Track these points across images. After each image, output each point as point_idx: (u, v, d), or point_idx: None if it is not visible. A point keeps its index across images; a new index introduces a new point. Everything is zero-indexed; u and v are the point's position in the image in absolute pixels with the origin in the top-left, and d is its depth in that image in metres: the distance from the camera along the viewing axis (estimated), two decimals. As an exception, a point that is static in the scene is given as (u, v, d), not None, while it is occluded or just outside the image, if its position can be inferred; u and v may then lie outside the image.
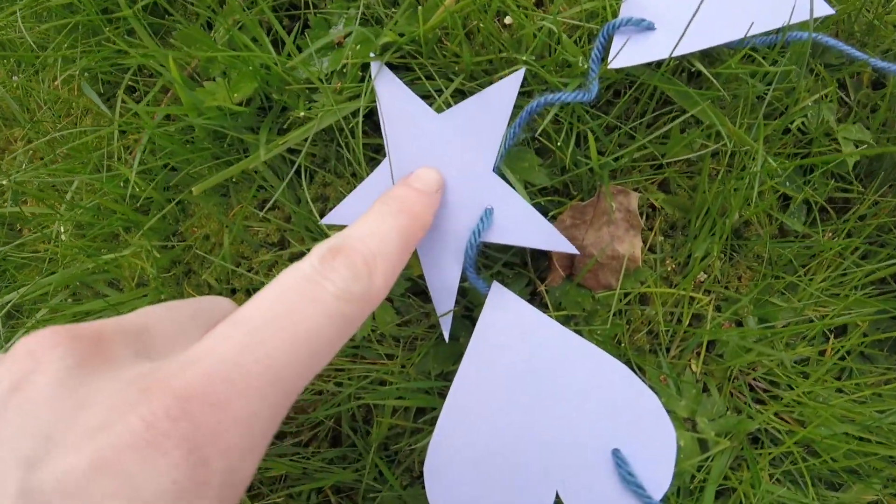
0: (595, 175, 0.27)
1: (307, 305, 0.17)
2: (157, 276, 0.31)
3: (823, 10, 0.26)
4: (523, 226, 0.25)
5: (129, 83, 0.34)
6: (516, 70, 0.25)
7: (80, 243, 0.35)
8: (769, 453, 0.29)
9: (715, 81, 0.27)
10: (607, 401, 0.24)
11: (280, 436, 0.32)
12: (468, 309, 0.29)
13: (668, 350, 0.30)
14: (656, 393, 0.25)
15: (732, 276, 0.31)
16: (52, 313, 0.34)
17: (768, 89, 0.28)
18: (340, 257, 0.18)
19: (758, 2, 0.26)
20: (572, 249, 0.24)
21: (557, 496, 0.24)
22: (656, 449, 0.24)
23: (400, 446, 0.30)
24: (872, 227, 0.31)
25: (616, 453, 0.24)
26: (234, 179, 0.30)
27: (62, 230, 0.37)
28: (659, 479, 0.24)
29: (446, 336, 0.27)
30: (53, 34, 0.38)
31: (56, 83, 0.38)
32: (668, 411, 0.28)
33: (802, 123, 0.31)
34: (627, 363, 0.28)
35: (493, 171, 0.25)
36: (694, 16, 0.24)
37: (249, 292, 0.32)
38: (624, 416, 0.24)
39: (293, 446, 0.31)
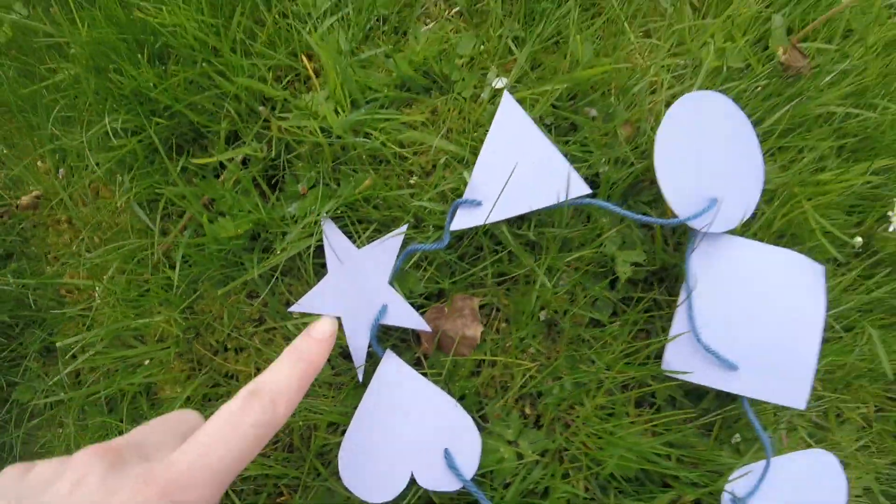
0: (449, 290, 0.45)
1: (233, 431, 0.27)
2: (178, 335, 0.48)
3: (581, 189, 0.44)
4: (403, 315, 0.43)
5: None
6: (401, 228, 0.43)
7: (118, 311, 0.52)
8: (571, 466, 0.45)
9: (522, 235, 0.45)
10: (444, 422, 0.41)
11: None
12: (375, 365, 0.46)
13: (504, 398, 0.47)
14: (479, 426, 0.42)
15: (553, 350, 0.48)
16: (98, 355, 0.50)
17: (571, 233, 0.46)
18: (255, 398, 0.29)
19: (545, 183, 0.44)
20: (427, 328, 0.42)
21: (413, 476, 0.41)
22: (469, 452, 0.41)
23: (331, 451, 0.46)
24: (644, 318, 0.49)
25: (446, 451, 0.40)
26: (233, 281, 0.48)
27: (98, 296, 0.54)
28: (470, 468, 0.41)
29: (360, 379, 0.43)
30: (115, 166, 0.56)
31: (115, 201, 0.55)
32: (498, 435, 0.45)
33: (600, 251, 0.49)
34: (475, 406, 0.45)
35: (388, 283, 0.43)
36: (497, 199, 0.42)
37: (237, 351, 0.48)
38: (453, 431, 0.41)
39: (261, 455, 0.47)
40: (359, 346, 0.43)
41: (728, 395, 0.46)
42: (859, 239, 0.52)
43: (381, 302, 0.43)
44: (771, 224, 0.49)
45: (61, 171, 0.61)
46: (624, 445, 0.45)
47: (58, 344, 0.51)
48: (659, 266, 0.48)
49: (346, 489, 0.42)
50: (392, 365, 0.43)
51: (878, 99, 0.55)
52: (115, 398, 0.51)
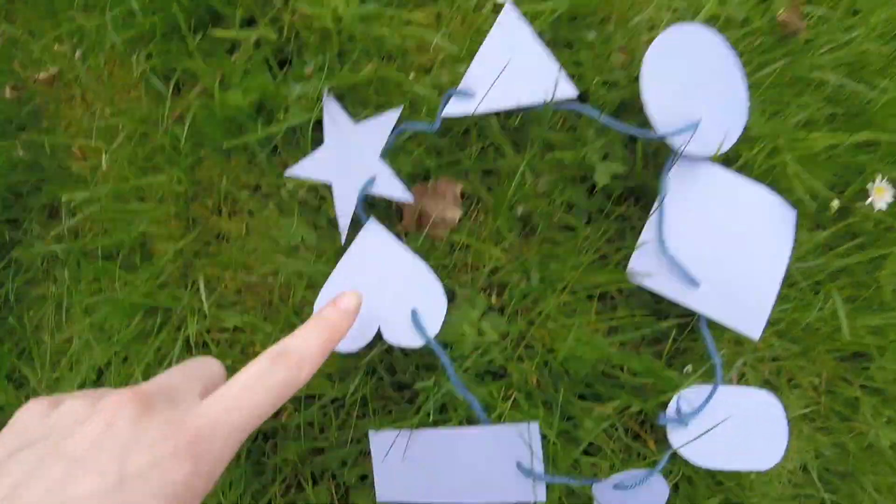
0: (434, 173, 0.48)
1: (259, 388, 0.29)
2: (179, 192, 0.51)
3: (569, 91, 0.48)
4: (389, 186, 0.46)
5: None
6: (397, 108, 0.47)
7: (125, 170, 0.55)
8: (527, 352, 0.49)
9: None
10: (416, 286, 0.45)
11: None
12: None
13: (473, 284, 0.50)
14: (453, 302, 0.45)
15: (525, 247, 0.52)
16: (100, 210, 0.53)
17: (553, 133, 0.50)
18: (282, 359, 0.30)
19: (536, 83, 0.47)
20: (410, 198, 0.45)
21: (379, 329, 0.44)
22: (435, 314, 0.44)
23: (306, 308, 0.49)
24: (616, 228, 0.52)
25: (413, 311, 0.44)
26: (233, 149, 0.51)
27: (105, 161, 0.57)
28: (433, 329, 0.44)
29: (343, 241, 0.47)
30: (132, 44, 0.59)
31: (130, 77, 0.58)
32: (463, 314, 0.48)
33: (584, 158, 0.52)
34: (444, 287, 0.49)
35: (379, 157, 0.46)
36: (488, 90, 0.46)
37: (231, 214, 0.52)
38: (422, 294, 0.45)
39: (241, 309, 0.50)
40: (345, 212, 0.47)
41: (683, 328, 0.50)
42: (836, 202, 0.54)
43: (370, 173, 0.46)
44: (750, 170, 0.52)
45: (78, 51, 0.64)
46: (579, 338, 0.48)
47: (62, 198, 0.54)
48: (637, 184, 0.51)
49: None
50: (375, 229, 0.46)
51: (876, 78, 0.57)
52: (111, 253, 0.54)
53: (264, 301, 0.50)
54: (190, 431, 0.26)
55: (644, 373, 0.49)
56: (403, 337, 0.44)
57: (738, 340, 0.53)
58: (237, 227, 0.51)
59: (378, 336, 0.45)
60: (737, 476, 0.53)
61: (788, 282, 0.53)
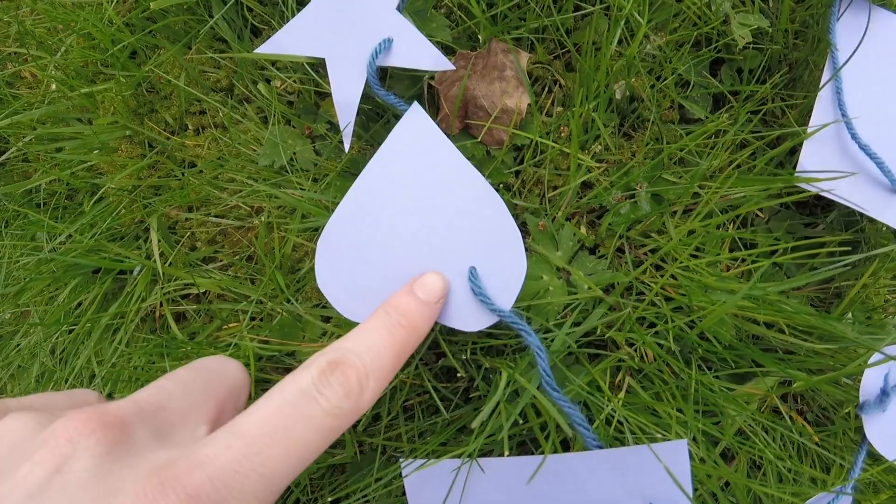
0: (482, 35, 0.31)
1: (300, 421, 0.19)
2: (127, 98, 0.36)
3: None
4: (414, 52, 0.29)
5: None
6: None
7: (66, 85, 0.40)
8: (642, 308, 0.30)
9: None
10: (479, 226, 0.27)
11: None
12: (370, 144, 0.33)
13: (551, 206, 0.32)
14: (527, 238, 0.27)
15: (627, 150, 0.33)
16: (38, 141, 0.40)
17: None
18: (337, 373, 0.20)
19: None
20: (449, 66, 0.28)
21: None
22: (508, 275, 0.26)
23: (304, 260, 0.33)
24: (760, 117, 0.33)
25: (472, 270, 0.26)
26: (194, 36, 0.36)
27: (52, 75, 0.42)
28: (506, 298, 0.26)
29: (346, 146, 0.30)
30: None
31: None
32: (540, 256, 0.30)
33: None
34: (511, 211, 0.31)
35: (396, 9, 0.29)
36: None
37: (198, 131, 0.36)
38: (488, 243, 0.27)
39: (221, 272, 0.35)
40: (347, 100, 0.30)
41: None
42: None
43: (382, 35, 0.29)
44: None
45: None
46: (724, 292, 0.29)
47: None
48: (784, 49, 0.32)
49: (323, 298, 0.29)
50: (421, 126, 0.28)
51: None
52: (46, 199, 0.40)
53: (246, 254, 0.35)
54: (183, 489, 0.16)
55: (808, 331, 0.30)
56: (459, 314, 0.27)
57: None
58: (206, 148, 0.36)
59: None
60: None
61: None
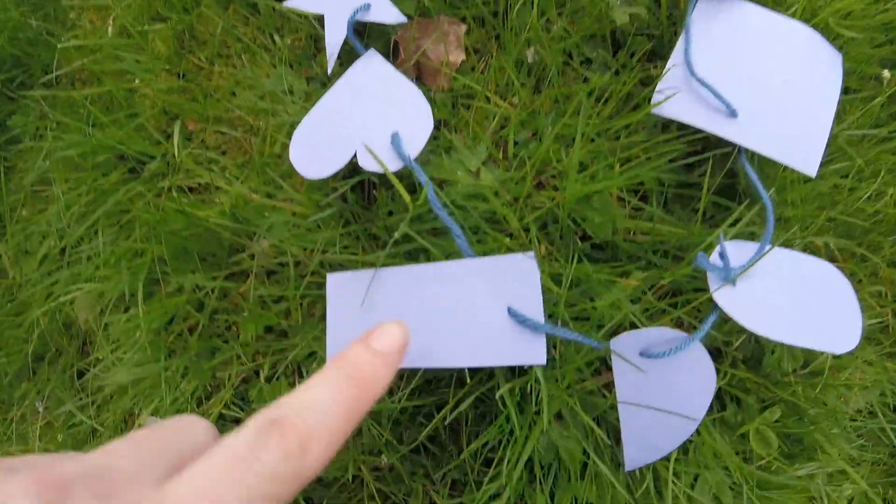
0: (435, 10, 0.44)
1: (233, 490, 0.17)
2: (175, 48, 0.49)
3: None
4: (384, 12, 0.42)
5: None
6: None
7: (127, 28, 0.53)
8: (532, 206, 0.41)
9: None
10: (403, 108, 0.39)
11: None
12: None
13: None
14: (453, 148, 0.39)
15: (538, 102, 0.45)
16: (92, 64, 0.51)
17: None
18: (275, 434, 0.18)
19: None
20: (403, 19, 0.41)
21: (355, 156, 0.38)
22: (419, 138, 0.38)
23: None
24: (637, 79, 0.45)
25: (394, 134, 0.38)
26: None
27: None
28: (415, 147, 0.38)
29: (329, 71, 0.42)
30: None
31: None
32: (459, 161, 0.42)
33: None
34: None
35: (376, -14, 0.43)
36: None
37: (225, 66, 0.49)
38: (408, 119, 0.39)
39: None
40: (334, 41, 0.43)
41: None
42: (887, 73, 0.47)
43: (363, 1, 0.43)
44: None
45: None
46: (598, 202, 0.40)
47: (58, 46, 0.53)
48: (658, 40, 0.45)
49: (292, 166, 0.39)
50: (373, 60, 0.41)
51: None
52: (100, 104, 0.51)
53: (244, 160, 0.46)
54: None
55: (676, 236, 0.40)
56: (378, 162, 0.38)
57: (785, 219, 0.43)
58: (227, 81, 0.48)
59: (353, 165, 0.38)
60: (794, 386, 0.40)
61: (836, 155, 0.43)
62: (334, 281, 0.36)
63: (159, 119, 0.48)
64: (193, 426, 0.21)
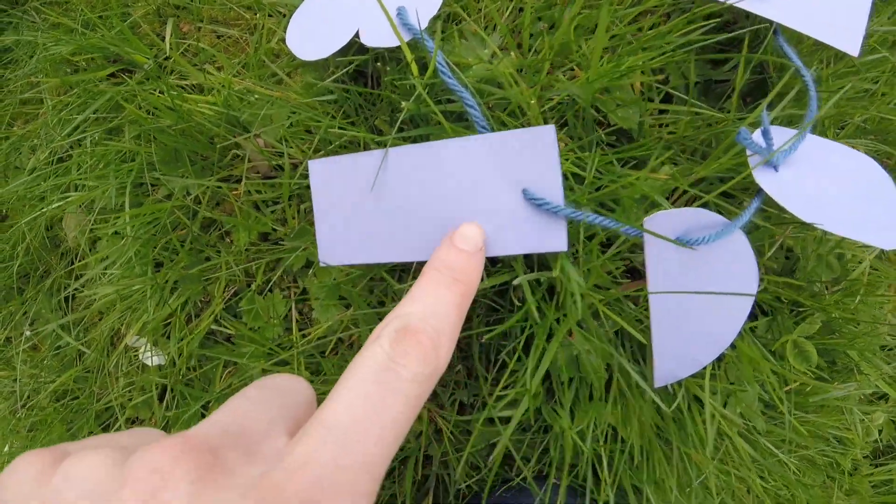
0: None
1: (388, 396, 0.18)
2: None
3: None
4: None
5: None
6: None
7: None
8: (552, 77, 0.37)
9: None
10: None
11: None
12: None
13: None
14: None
15: None
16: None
17: None
18: (410, 340, 0.20)
19: None
20: None
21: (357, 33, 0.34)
22: (427, 10, 0.35)
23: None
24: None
25: (400, 8, 0.34)
26: None
27: None
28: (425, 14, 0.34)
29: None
30: None
31: None
32: (472, 49, 0.38)
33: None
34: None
35: None
36: None
37: None
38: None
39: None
40: None
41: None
42: None
43: None
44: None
45: None
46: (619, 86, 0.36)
47: None
48: None
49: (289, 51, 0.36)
50: None
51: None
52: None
53: (240, 60, 0.42)
54: (295, 495, 0.16)
55: (707, 122, 0.36)
56: (387, 37, 0.34)
57: (819, 121, 0.39)
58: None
59: (356, 42, 0.35)
60: (828, 300, 0.36)
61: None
62: (317, 168, 0.32)
63: (153, 22, 0.45)
64: (297, 384, 0.22)
